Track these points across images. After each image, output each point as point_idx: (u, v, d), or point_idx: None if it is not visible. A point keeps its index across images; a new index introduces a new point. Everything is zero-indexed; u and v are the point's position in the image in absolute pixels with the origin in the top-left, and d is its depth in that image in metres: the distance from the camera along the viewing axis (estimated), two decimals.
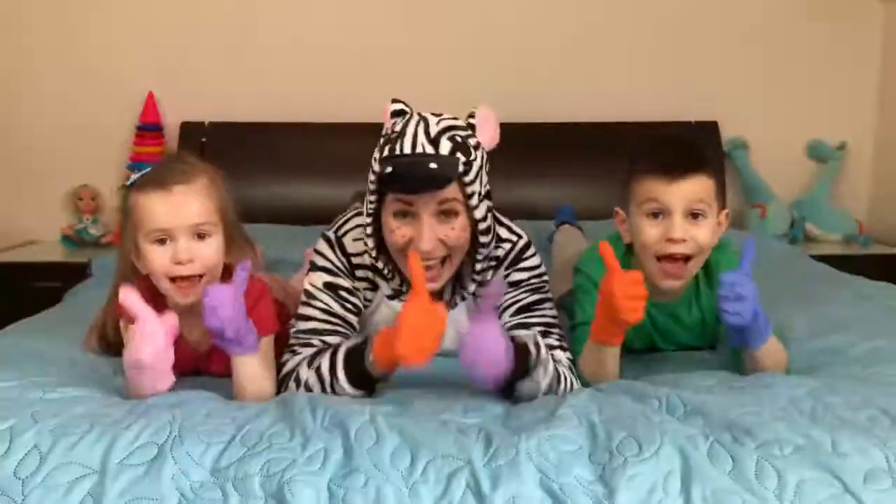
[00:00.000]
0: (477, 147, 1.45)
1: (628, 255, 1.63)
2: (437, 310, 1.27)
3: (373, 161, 1.45)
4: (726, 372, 1.49)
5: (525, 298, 1.56)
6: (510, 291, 1.56)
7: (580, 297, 1.64)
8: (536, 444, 1.13)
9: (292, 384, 1.41)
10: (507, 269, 1.57)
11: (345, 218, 1.63)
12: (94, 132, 3.27)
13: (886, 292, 2.03)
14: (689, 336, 1.71)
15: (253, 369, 1.37)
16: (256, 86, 3.28)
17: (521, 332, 1.45)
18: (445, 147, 1.40)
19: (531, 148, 3.09)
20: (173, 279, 1.40)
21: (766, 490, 1.07)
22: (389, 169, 1.38)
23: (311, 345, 1.48)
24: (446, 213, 1.42)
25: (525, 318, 1.53)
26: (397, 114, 1.49)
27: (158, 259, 1.39)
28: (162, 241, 1.39)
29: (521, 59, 3.28)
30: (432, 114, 1.46)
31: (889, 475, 1.10)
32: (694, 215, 1.52)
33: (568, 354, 1.50)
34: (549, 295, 1.59)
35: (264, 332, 1.46)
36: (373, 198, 1.45)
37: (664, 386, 1.35)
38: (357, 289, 1.57)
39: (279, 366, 1.47)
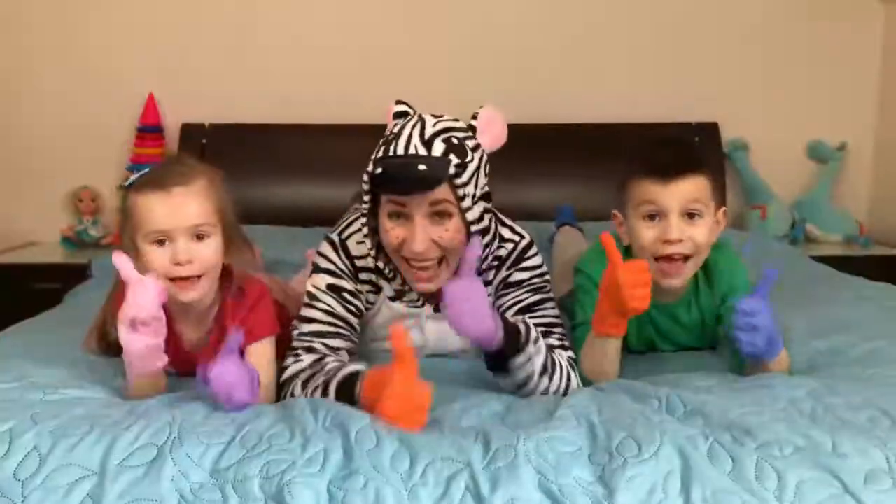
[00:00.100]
0: (475, 149, 1.45)
1: (627, 257, 1.63)
2: (420, 395, 1.22)
3: (370, 161, 1.46)
4: (726, 372, 1.49)
5: (527, 298, 1.56)
6: (512, 291, 1.57)
7: (580, 297, 1.64)
8: (535, 445, 1.13)
9: (288, 397, 1.40)
10: (508, 268, 1.58)
11: (348, 220, 1.63)
12: (94, 133, 3.27)
13: (887, 293, 2.03)
14: (689, 337, 1.71)
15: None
16: (257, 87, 3.28)
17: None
18: (438, 149, 1.41)
19: (531, 149, 3.08)
20: (172, 279, 1.40)
21: (765, 491, 1.07)
22: (380, 170, 1.40)
23: (313, 347, 1.48)
24: (439, 215, 1.42)
25: (527, 317, 1.53)
26: (400, 115, 1.50)
27: (157, 260, 1.39)
28: (161, 243, 1.39)
29: (521, 60, 3.28)
30: (433, 115, 1.47)
31: (889, 476, 1.10)
32: (690, 215, 1.52)
33: (570, 353, 1.50)
34: (551, 295, 1.60)
35: (264, 333, 1.46)
36: (366, 198, 1.46)
37: (664, 386, 1.35)
38: (360, 291, 1.58)
39: (281, 368, 1.47)
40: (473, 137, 1.47)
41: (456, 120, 1.48)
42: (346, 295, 1.55)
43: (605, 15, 3.31)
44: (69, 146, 3.28)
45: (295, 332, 1.53)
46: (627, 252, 1.63)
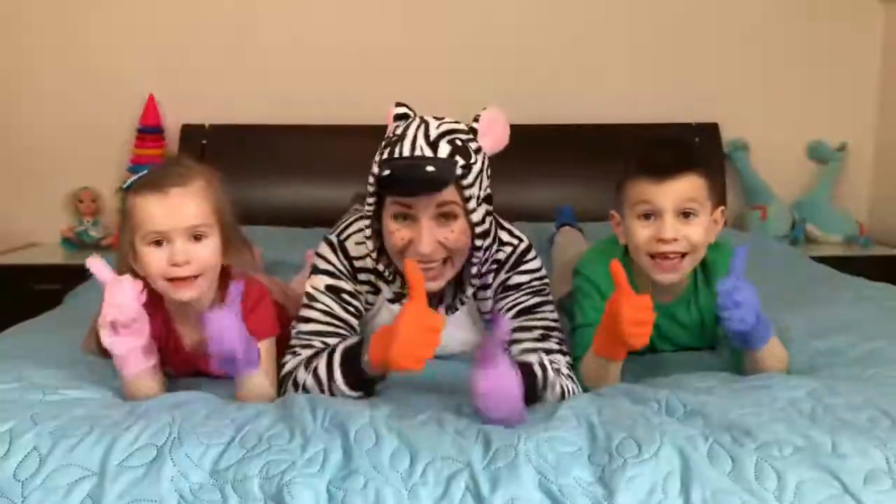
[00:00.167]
0: (478, 151, 1.45)
1: (626, 256, 1.63)
2: (433, 318, 1.25)
3: (373, 163, 1.46)
4: (726, 373, 1.49)
5: (526, 301, 1.56)
6: (511, 294, 1.57)
7: (579, 299, 1.64)
8: (535, 445, 1.13)
9: (290, 387, 1.41)
10: (507, 272, 1.58)
11: (347, 222, 1.63)
12: (94, 134, 3.28)
13: (887, 293, 2.03)
14: (689, 337, 1.71)
15: (258, 381, 1.38)
16: (257, 88, 3.28)
17: (526, 358, 1.42)
18: (444, 150, 1.41)
19: (531, 149, 3.07)
20: (170, 280, 1.40)
21: (765, 491, 1.07)
22: (387, 172, 1.39)
23: (311, 346, 1.48)
24: (445, 216, 1.42)
25: (525, 320, 1.53)
26: (400, 117, 1.49)
27: (155, 261, 1.39)
28: (158, 243, 1.39)
29: (521, 60, 3.28)
30: (434, 117, 1.47)
31: (889, 476, 1.10)
32: (685, 214, 1.52)
33: (568, 358, 1.50)
34: (550, 298, 1.60)
35: (264, 334, 1.46)
36: (371, 200, 1.46)
37: (663, 387, 1.35)
38: (359, 292, 1.58)
39: (280, 366, 1.47)
40: (475, 140, 1.47)
41: (457, 122, 1.48)
42: (344, 296, 1.55)
43: (605, 15, 3.31)
44: (69, 147, 3.29)
45: (293, 332, 1.53)
46: (625, 252, 1.63)
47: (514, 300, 1.56)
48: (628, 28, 3.32)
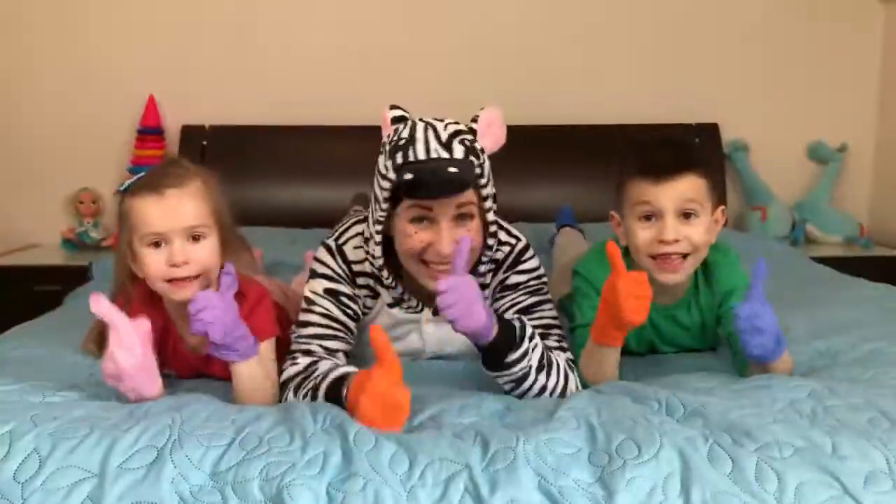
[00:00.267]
0: (482, 151, 1.46)
1: (627, 257, 1.63)
2: (398, 394, 1.22)
3: (382, 169, 1.44)
4: (726, 374, 1.49)
5: (524, 300, 1.56)
6: (509, 294, 1.57)
7: (578, 299, 1.64)
8: (535, 446, 1.13)
9: (290, 395, 1.40)
10: (505, 271, 1.58)
11: (345, 226, 1.63)
12: (94, 135, 3.28)
13: (887, 294, 2.03)
14: (690, 338, 1.71)
15: (252, 374, 1.37)
16: (257, 89, 3.28)
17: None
18: (459, 151, 1.41)
19: (531, 150, 3.09)
20: (169, 280, 1.40)
21: (765, 492, 1.07)
22: (410, 175, 1.37)
23: (310, 350, 1.48)
24: (461, 217, 1.43)
25: (524, 318, 1.53)
26: (398, 120, 1.49)
27: (154, 262, 1.39)
28: (157, 245, 1.39)
29: (521, 61, 3.29)
30: (435, 118, 1.46)
31: (889, 477, 1.10)
32: (686, 215, 1.52)
33: (568, 355, 1.50)
34: (549, 297, 1.60)
35: (264, 336, 1.46)
36: (386, 206, 1.44)
37: (664, 388, 1.35)
38: (358, 296, 1.57)
39: (280, 371, 1.47)
40: (476, 140, 1.47)
41: (458, 123, 1.48)
42: (343, 299, 1.55)
43: (605, 15, 3.31)
44: (69, 148, 3.29)
45: (293, 336, 1.53)
46: (626, 253, 1.63)
47: (512, 300, 1.56)
48: (628, 28, 3.32)
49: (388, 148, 1.44)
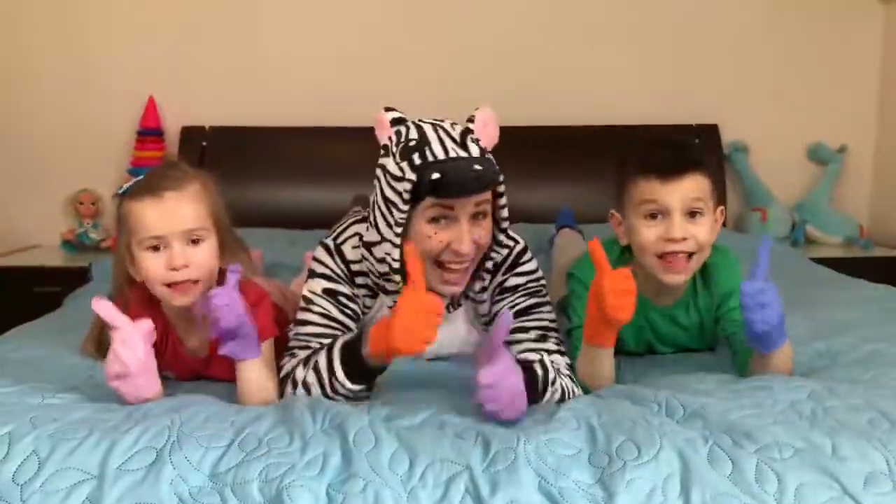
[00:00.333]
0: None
1: (624, 257, 1.63)
2: (431, 301, 1.27)
3: (396, 171, 1.41)
4: (726, 374, 1.48)
5: (522, 302, 1.56)
6: (508, 296, 1.57)
7: (573, 302, 1.64)
8: (535, 447, 1.13)
9: (289, 387, 1.40)
10: (504, 273, 1.57)
11: (343, 226, 1.62)
12: (94, 136, 3.28)
13: (887, 295, 2.03)
14: (689, 339, 1.71)
15: (259, 374, 1.38)
16: (257, 90, 3.28)
17: (528, 357, 1.43)
18: (475, 149, 1.41)
19: (531, 150, 3.09)
20: (168, 284, 1.40)
21: (765, 494, 1.07)
22: (437, 175, 1.36)
23: (309, 348, 1.48)
24: (477, 215, 1.43)
25: (522, 321, 1.53)
26: (398, 122, 1.48)
27: (153, 266, 1.39)
28: (156, 248, 1.39)
29: (520, 62, 3.29)
30: (435, 119, 1.46)
31: (889, 478, 1.10)
32: (692, 214, 1.52)
33: (566, 359, 1.50)
34: (547, 298, 1.59)
35: (264, 336, 1.45)
36: (405, 207, 1.40)
37: (663, 389, 1.34)
38: (356, 295, 1.57)
39: (278, 369, 1.47)
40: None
41: (457, 123, 1.48)
42: (342, 298, 1.55)
43: (605, 15, 3.31)
44: (69, 149, 3.29)
45: (291, 334, 1.53)
46: (626, 252, 1.63)
47: (511, 302, 1.56)
48: (628, 29, 3.32)
49: (397, 150, 1.42)
